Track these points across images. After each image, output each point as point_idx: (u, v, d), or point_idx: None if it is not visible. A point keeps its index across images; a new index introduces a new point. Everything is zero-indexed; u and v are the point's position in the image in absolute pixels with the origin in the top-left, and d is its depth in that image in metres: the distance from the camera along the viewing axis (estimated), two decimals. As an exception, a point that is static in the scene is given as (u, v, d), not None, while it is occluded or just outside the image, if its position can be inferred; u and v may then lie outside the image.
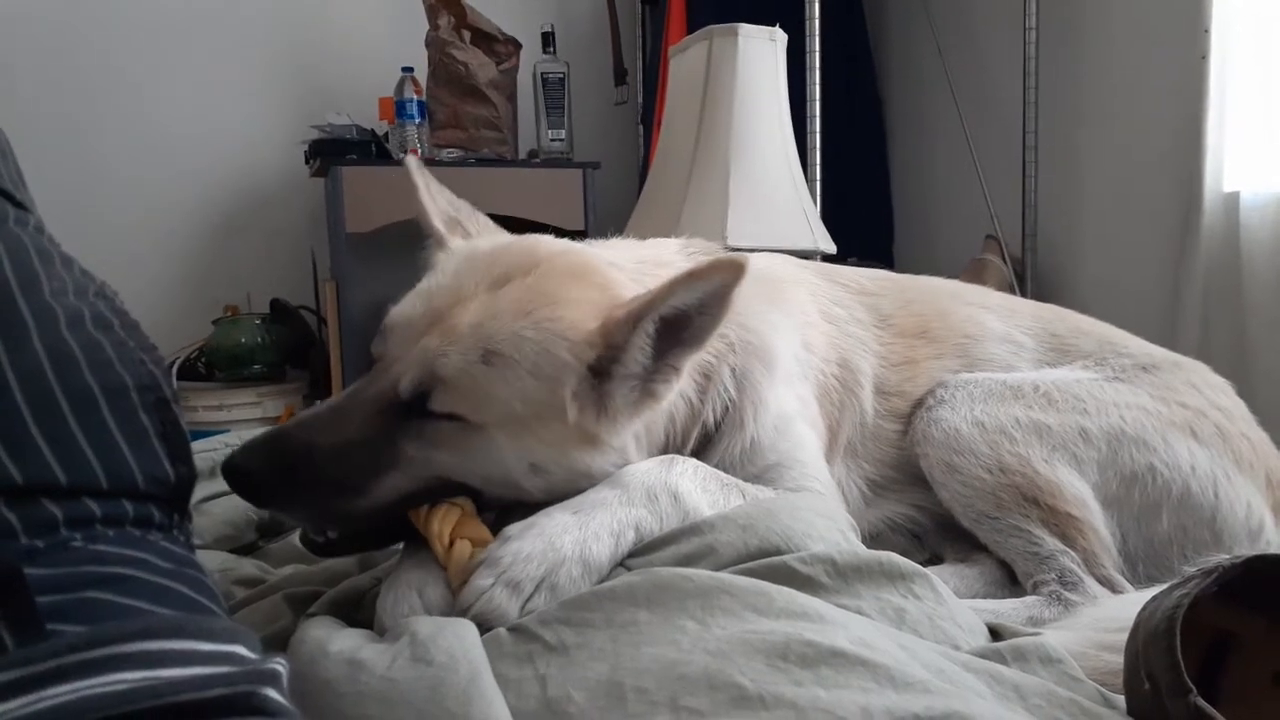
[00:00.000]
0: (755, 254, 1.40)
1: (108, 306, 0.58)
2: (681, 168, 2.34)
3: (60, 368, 0.53)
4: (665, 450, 1.05)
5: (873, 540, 1.21)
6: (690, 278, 0.88)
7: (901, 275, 1.45)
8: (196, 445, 1.32)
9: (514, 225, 1.17)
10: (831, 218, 2.56)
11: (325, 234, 3.60)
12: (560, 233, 1.14)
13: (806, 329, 1.22)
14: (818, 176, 2.69)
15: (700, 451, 1.07)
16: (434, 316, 0.91)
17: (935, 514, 1.24)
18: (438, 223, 1.09)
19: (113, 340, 0.56)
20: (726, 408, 1.08)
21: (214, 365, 3.46)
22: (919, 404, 1.25)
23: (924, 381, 1.27)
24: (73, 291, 0.57)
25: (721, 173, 2.26)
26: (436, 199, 1.12)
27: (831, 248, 2.38)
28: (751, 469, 1.08)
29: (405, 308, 0.95)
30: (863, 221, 3.67)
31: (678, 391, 1.00)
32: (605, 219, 3.20)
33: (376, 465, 0.88)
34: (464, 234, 1.09)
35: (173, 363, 3.46)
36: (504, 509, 0.94)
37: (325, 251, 3.62)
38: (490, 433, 0.89)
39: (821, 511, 0.94)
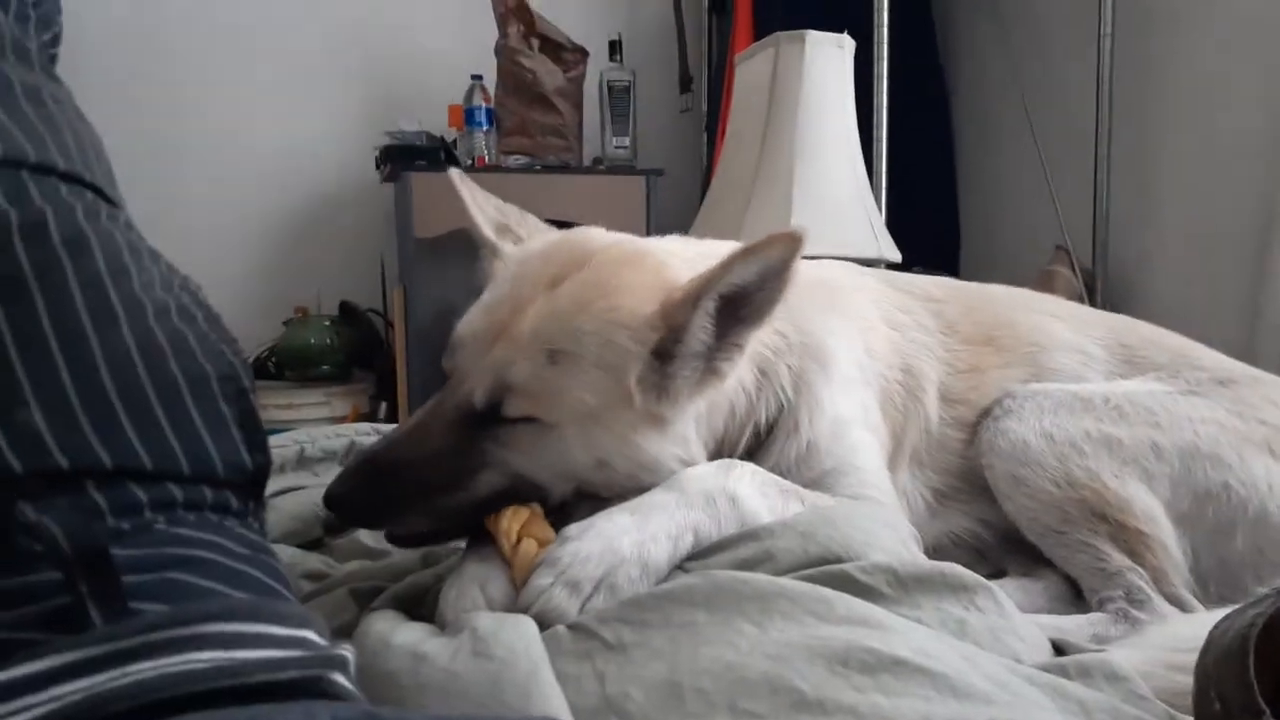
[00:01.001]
0: (817, 261, 1.40)
1: (191, 300, 0.61)
2: (745, 175, 2.33)
3: (148, 356, 0.55)
4: (722, 445, 1.06)
5: (935, 554, 1.19)
6: (747, 253, 0.90)
7: (967, 283, 1.43)
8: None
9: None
10: (897, 226, 2.53)
11: (394, 239, 3.67)
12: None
13: (868, 334, 1.22)
14: (883, 184, 2.67)
15: (752, 455, 1.07)
16: (498, 328, 0.94)
17: (1000, 529, 1.22)
18: (488, 231, 1.12)
19: (196, 332, 0.58)
20: (781, 407, 1.09)
21: (283, 365, 3.54)
22: (985, 414, 1.23)
23: (990, 390, 1.25)
24: (159, 285, 0.59)
25: (785, 180, 2.25)
26: (484, 207, 1.15)
27: (896, 256, 2.35)
28: (808, 474, 1.07)
29: (471, 322, 0.98)
30: (928, 230, 3.61)
31: (739, 377, 1.02)
32: (668, 226, 3.18)
33: (466, 468, 0.92)
34: (515, 239, 1.12)
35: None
36: (564, 512, 0.96)
37: (394, 256, 3.69)
38: (562, 430, 0.92)
39: (883, 520, 0.93)
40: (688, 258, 1.05)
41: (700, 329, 0.94)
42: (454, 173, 1.16)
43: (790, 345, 1.10)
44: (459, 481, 0.92)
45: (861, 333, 1.21)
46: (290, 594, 0.56)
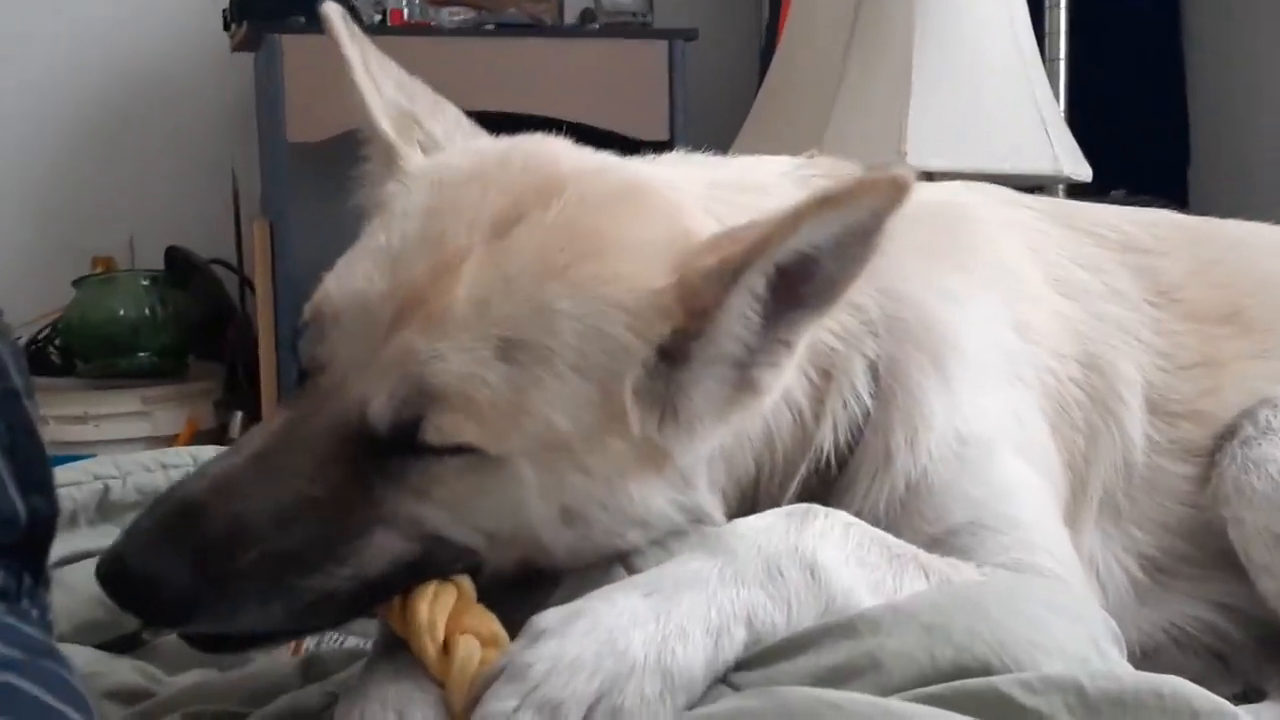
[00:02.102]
0: (943, 185, 1.40)
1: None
2: (832, 41, 2.33)
3: None
4: (756, 494, 1.07)
5: (1145, 660, 1.19)
6: (825, 205, 0.90)
7: (1198, 220, 1.43)
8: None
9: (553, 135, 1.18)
10: (1087, 127, 2.52)
11: (254, 145, 3.67)
12: (630, 146, 1.14)
13: (1020, 303, 1.22)
14: (1061, 54, 2.66)
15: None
16: (408, 293, 0.94)
17: (1254, 620, 1.23)
18: (384, 122, 1.11)
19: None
20: (858, 426, 1.09)
21: (74, 352, 3.55)
22: (1228, 435, 1.23)
23: (1235, 396, 1.25)
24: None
25: (899, 50, 2.25)
26: (379, 81, 1.13)
27: (1085, 174, 2.35)
28: (926, 530, 1.08)
29: (355, 280, 0.97)
30: (1139, 135, 3.60)
31: (784, 386, 1.02)
32: (705, 124, 3.18)
33: (348, 529, 0.91)
34: (425, 141, 1.11)
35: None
36: (520, 582, 0.97)
37: (253, 172, 3.70)
38: (514, 467, 0.92)
39: (1060, 606, 0.93)
40: (698, 193, 1.05)
41: (740, 320, 0.95)
42: (330, 10, 1.13)
43: (871, 323, 1.10)
44: (334, 550, 0.91)
45: (1008, 299, 1.21)
46: (92, 721, 0.57)
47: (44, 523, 0.61)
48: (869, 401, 1.09)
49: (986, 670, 0.84)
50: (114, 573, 0.86)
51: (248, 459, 0.93)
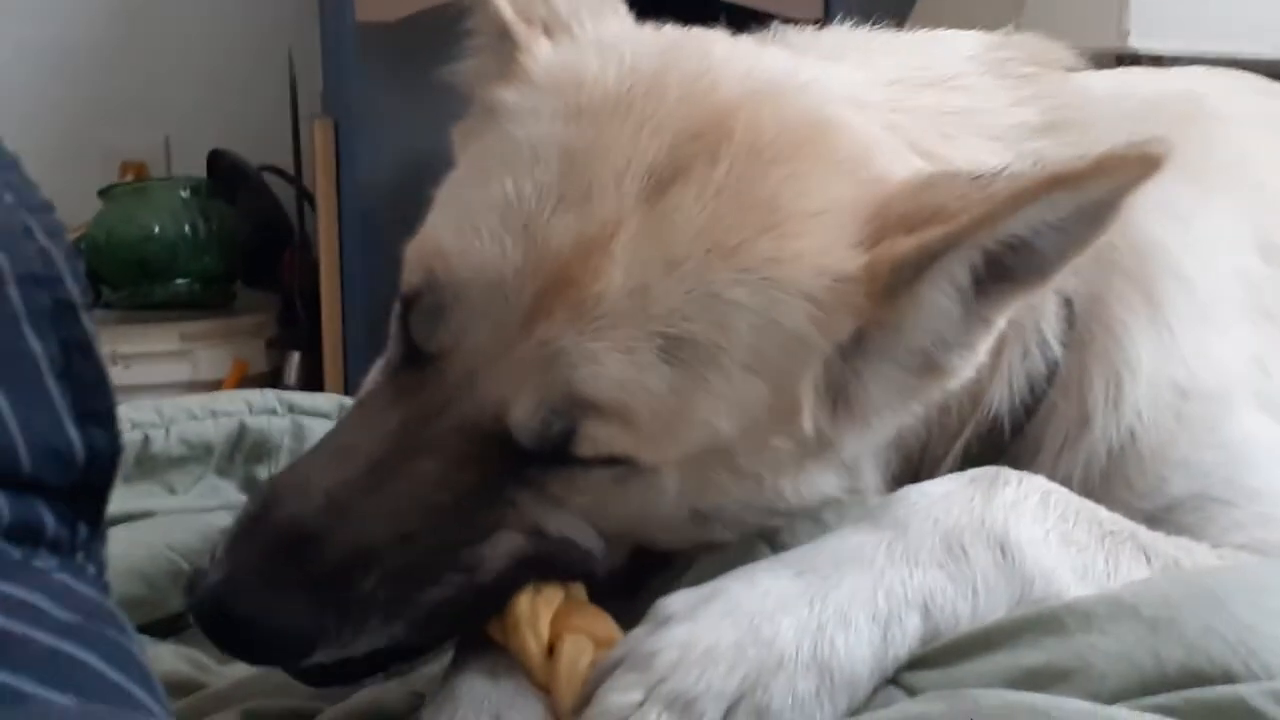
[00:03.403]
0: (1176, 72, 1.38)
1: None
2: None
3: None
4: (919, 462, 1.09)
5: None
6: (1054, 186, 0.90)
7: None
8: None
9: (685, 12, 1.17)
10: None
11: (313, 25, 3.70)
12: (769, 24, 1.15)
13: (1269, 218, 1.21)
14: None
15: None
16: (550, 270, 0.94)
17: None
18: None
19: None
20: (1039, 380, 1.09)
21: (100, 277, 3.58)
22: None
23: None
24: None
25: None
26: None
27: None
28: (1138, 506, 1.07)
29: (480, 244, 0.97)
30: None
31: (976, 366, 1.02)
32: None
33: (473, 534, 0.95)
34: (548, 17, 1.09)
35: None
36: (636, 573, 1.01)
37: (314, 61, 3.73)
38: (662, 475, 0.95)
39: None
40: (879, 101, 1.06)
41: (934, 312, 0.96)
42: None
43: None
44: (457, 558, 0.95)
45: (1252, 214, 1.20)
46: (156, 699, 0.57)
47: (104, 461, 0.61)
48: (1058, 349, 1.08)
49: (1226, 677, 0.82)
50: (219, 616, 0.91)
51: (364, 471, 0.95)
